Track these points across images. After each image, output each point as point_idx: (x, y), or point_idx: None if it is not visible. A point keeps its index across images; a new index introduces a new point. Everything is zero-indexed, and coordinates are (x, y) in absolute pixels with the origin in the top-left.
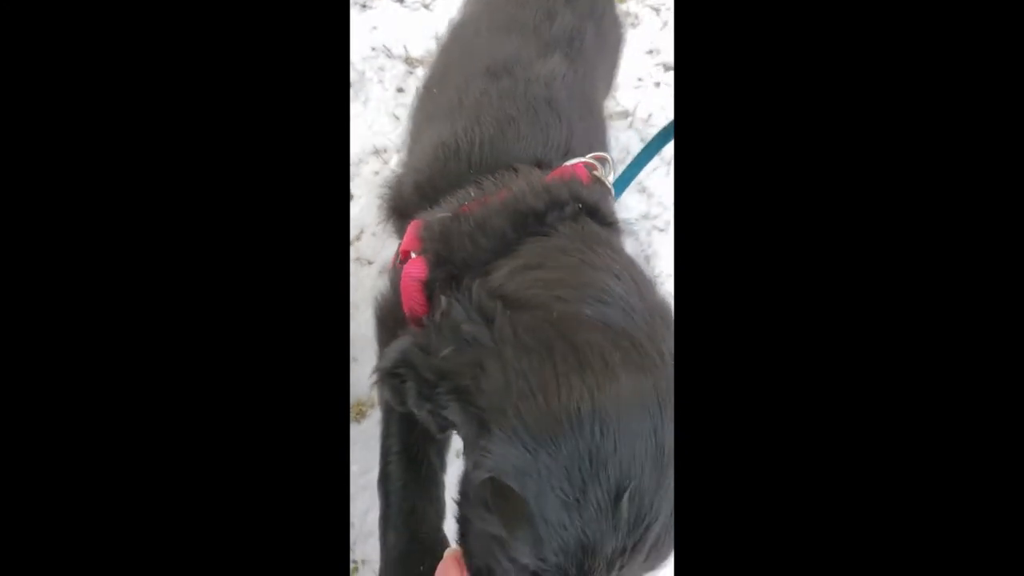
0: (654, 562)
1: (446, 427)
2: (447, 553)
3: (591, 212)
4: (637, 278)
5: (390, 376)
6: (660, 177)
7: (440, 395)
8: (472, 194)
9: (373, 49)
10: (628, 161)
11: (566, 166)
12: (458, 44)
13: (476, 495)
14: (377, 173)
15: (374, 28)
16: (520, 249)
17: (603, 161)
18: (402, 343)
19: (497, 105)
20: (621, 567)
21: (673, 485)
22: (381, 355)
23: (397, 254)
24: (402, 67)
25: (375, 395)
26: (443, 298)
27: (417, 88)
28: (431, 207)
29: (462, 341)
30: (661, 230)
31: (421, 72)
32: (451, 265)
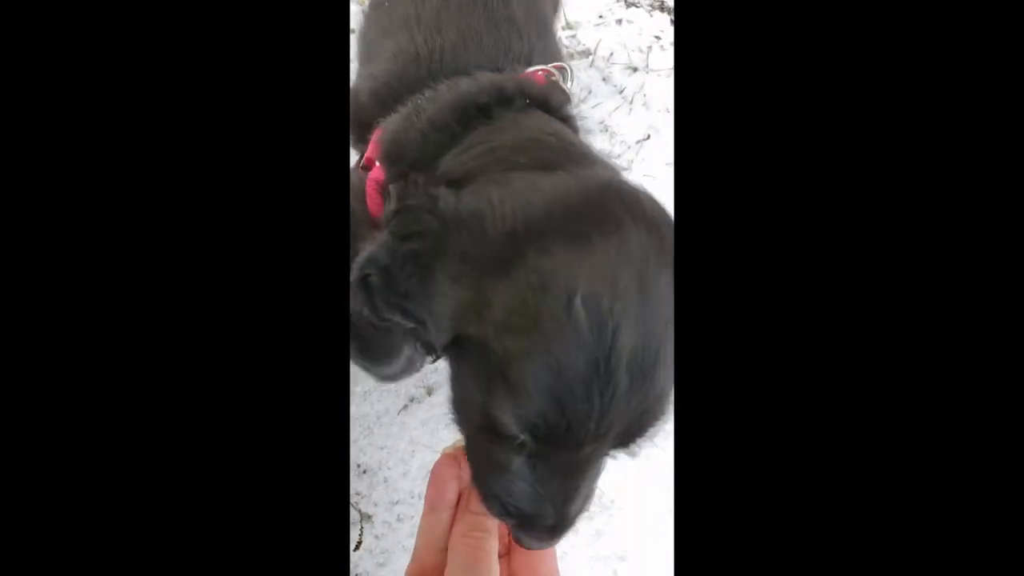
0: (646, 394)
1: (422, 337)
2: (444, 451)
3: (540, 105)
4: (566, 138)
5: (359, 282)
6: (622, 116)
7: (401, 278)
8: (427, 95)
9: None
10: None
11: (525, 72)
12: None
13: (456, 377)
14: None
15: None
16: (464, 139)
17: (561, 70)
18: (365, 251)
19: (458, 16)
20: (601, 394)
21: (635, 290)
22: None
23: (360, 160)
24: (353, 7)
25: None
26: (391, 188)
27: (363, 11)
28: (390, 114)
29: (410, 216)
30: (625, 169)
31: None
32: (402, 164)
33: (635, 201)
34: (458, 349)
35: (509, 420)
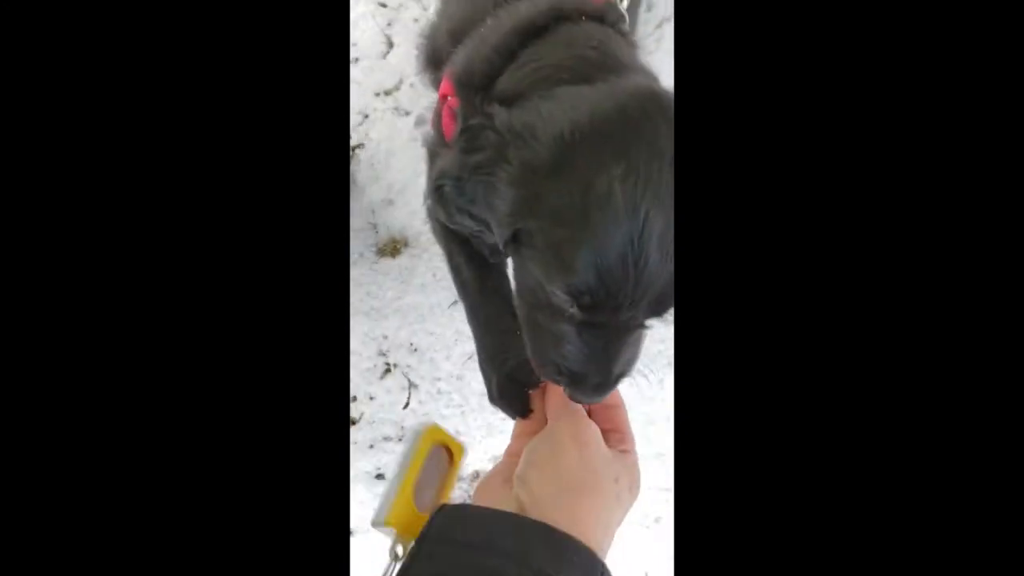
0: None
1: (487, 240)
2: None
3: (596, 20)
4: (608, 50)
5: (435, 192)
6: None
7: (469, 186)
8: (489, 24)
9: None
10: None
11: None
12: None
13: (518, 267)
14: (416, 20)
15: None
16: (520, 57)
17: None
18: (437, 165)
19: None
20: (636, 264)
21: (665, 179)
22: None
23: (437, 100)
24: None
25: (407, 234)
26: (458, 111)
27: None
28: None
29: (473, 133)
30: None
31: None
32: (472, 89)
33: (661, 102)
34: (518, 244)
35: (561, 294)
